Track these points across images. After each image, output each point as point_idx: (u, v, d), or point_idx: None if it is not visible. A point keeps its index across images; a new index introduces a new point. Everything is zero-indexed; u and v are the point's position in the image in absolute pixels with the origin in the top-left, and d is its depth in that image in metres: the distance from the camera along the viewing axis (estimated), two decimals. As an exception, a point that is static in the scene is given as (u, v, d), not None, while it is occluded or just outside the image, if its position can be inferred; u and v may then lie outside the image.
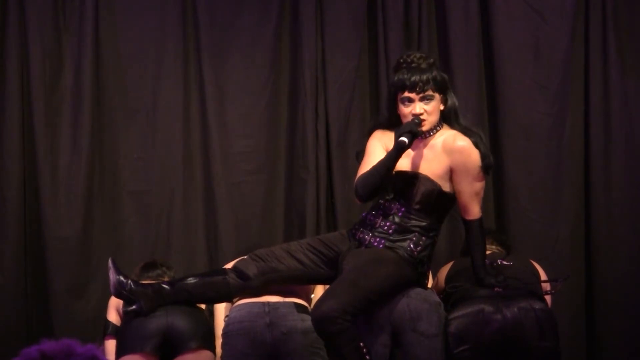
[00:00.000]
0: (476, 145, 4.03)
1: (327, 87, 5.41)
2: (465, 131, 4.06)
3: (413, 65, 4.06)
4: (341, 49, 5.43)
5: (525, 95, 5.42)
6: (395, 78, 4.09)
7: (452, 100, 4.11)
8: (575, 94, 5.44)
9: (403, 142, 3.93)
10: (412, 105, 4.03)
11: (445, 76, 4.13)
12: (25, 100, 5.26)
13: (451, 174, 4.04)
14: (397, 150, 3.96)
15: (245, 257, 4.30)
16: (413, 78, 4.02)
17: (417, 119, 4.01)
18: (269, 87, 5.43)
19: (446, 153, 4.03)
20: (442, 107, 4.09)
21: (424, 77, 4.02)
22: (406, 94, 4.03)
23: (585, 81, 5.44)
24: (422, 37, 5.42)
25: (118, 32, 5.34)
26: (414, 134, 3.97)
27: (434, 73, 4.05)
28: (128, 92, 5.35)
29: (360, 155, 4.20)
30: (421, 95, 4.02)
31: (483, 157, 4.03)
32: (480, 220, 4.11)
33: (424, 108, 4.02)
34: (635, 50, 5.44)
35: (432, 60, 4.11)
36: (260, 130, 5.42)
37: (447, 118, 4.11)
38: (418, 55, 4.11)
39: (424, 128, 4.04)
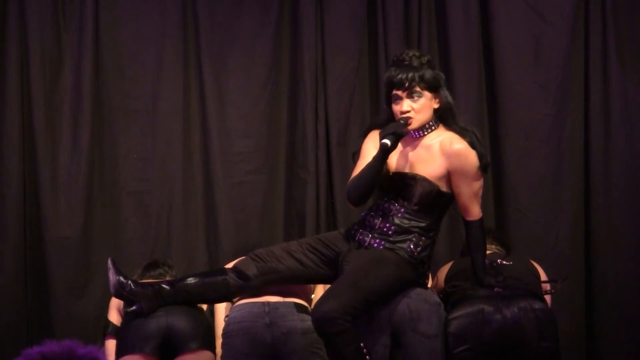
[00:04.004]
0: (472, 145, 4.02)
1: (327, 87, 5.41)
2: (461, 131, 4.05)
3: (405, 62, 4.05)
4: (341, 49, 5.43)
5: (525, 95, 5.42)
6: (385, 75, 4.10)
7: (447, 99, 4.08)
8: (575, 94, 5.44)
9: (385, 144, 3.92)
10: (401, 102, 4.03)
11: (439, 75, 4.09)
12: (25, 100, 5.25)
13: (449, 176, 4.04)
14: (382, 153, 3.95)
15: (245, 257, 4.30)
16: (400, 75, 4.01)
17: (403, 120, 4.00)
18: (269, 87, 5.43)
19: (444, 156, 4.02)
20: (436, 106, 4.07)
21: (411, 74, 4.00)
22: (395, 91, 4.04)
23: (585, 81, 5.44)
24: (422, 37, 5.42)
25: (118, 32, 5.35)
26: (397, 135, 3.95)
27: (423, 71, 4.02)
28: (128, 92, 5.35)
29: (356, 155, 4.20)
30: (408, 92, 4.01)
31: (480, 157, 4.02)
32: (480, 220, 4.11)
33: (411, 105, 4.01)
34: (635, 50, 5.44)
35: (426, 58, 4.08)
36: (260, 130, 5.42)
37: (443, 117, 4.09)
38: (411, 53, 4.09)
39: (412, 126, 4.02)
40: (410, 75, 4.00)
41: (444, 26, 5.45)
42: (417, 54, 4.09)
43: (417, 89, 4.01)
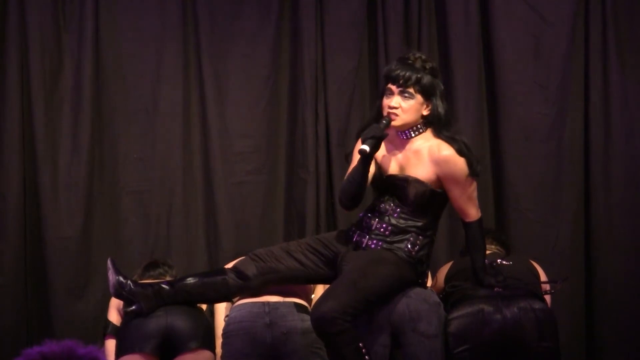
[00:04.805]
0: (460, 152, 4.00)
1: (327, 87, 5.41)
2: (449, 139, 4.03)
3: (409, 61, 4.04)
4: (341, 49, 5.43)
5: (525, 95, 5.42)
6: (385, 68, 4.11)
7: (439, 109, 4.03)
8: (575, 94, 5.44)
9: (364, 151, 3.90)
10: (392, 97, 4.02)
11: (437, 84, 4.05)
12: (25, 100, 5.25)
13: (440, 181, 4.03)
14: (362, 159, 3.95)
15: (245, 257, 4.30)
16: (398, 71, 4.01)
17: (386, 119, 3.99)
18: (269, 87, 5.43)
19: (432, 163, 4.01)
20: (425, 113, 4.05)
21: (409, 74, 3.99)
22: (389, 85, 4.03)
23: (585, 81, 5.44)
24: (422, 37, 5.42)
25: (118, 32, 5.35)
26: (377, 139, 3.92)
27: (422, 75, 4.00)
28: (128, 91, 5.35)
29: (349, 157, 4.20)
30: (401, 89, 4.00)
31: (470, 163, 4.00)
32: (479, 221, 4.10)
33: (400, 103, 4.00)
34: (635, 50, 5.44)
35: (430, 64, 4.06)
36: (260, 130, 5.42)
37: (431, 125, 4.06)
38: (418, 54, 4.10)
39: (396, 123, 4.00)
40: (408, 74, 4.00)
41: (444, 26, 5.45)
42: (423, 57, 4.09)
43: (411, 89, 4.00)
